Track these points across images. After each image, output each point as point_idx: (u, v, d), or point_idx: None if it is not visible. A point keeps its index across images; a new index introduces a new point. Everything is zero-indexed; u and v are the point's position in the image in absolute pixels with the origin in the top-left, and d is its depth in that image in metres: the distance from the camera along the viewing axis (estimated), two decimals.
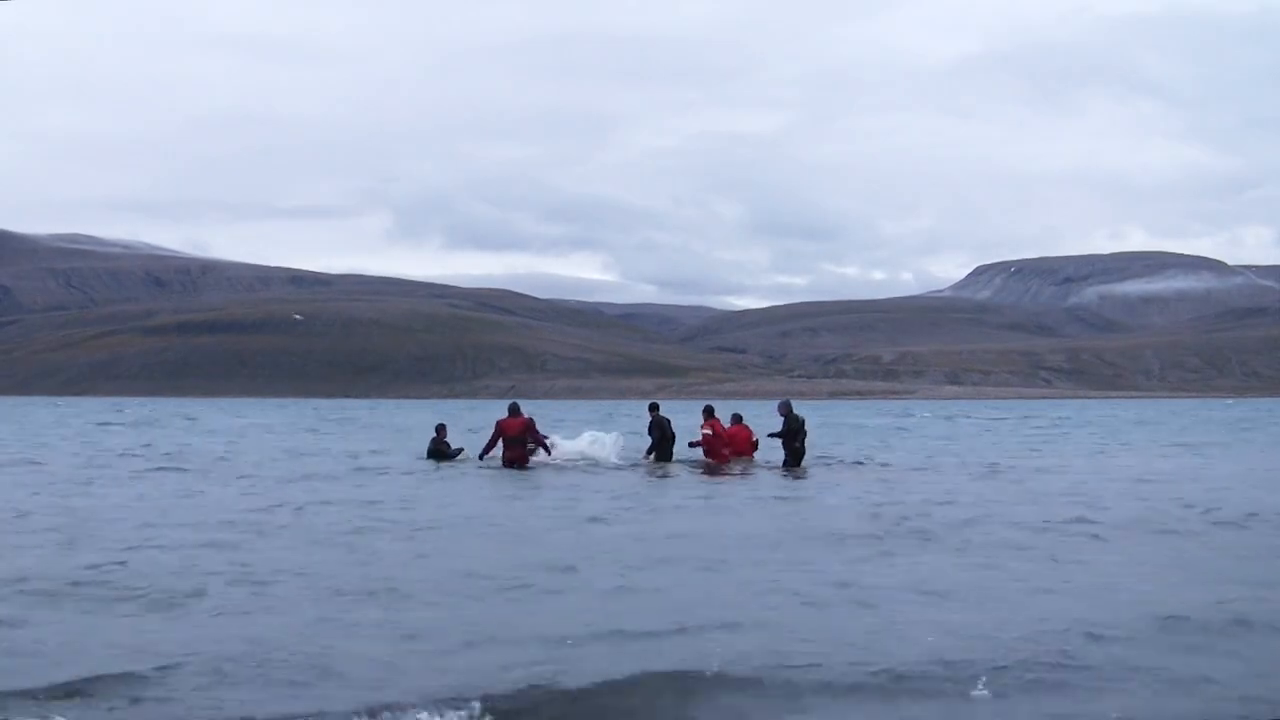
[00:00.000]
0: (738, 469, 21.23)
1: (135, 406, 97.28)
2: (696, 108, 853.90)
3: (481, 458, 22.21)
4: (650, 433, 22.59)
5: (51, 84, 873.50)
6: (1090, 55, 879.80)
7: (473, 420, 45.94)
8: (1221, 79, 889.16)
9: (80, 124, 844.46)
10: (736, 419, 22.58)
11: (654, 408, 23.15)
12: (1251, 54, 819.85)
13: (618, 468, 21.72)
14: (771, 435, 22.17)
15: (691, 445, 21.93)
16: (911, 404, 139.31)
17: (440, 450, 23.76)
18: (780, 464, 21.66)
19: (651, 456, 22.25)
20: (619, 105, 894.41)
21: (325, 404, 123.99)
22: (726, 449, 21.70)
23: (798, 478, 20.19)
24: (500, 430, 21.73)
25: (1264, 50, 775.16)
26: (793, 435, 21.85)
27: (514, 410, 22.18)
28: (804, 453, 22.09)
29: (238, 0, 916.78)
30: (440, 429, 24.62)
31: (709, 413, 22.27)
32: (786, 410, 22.26)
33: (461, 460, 23.29)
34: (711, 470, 21.05)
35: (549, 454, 22.04)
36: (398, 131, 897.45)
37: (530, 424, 21.86)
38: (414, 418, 62.27)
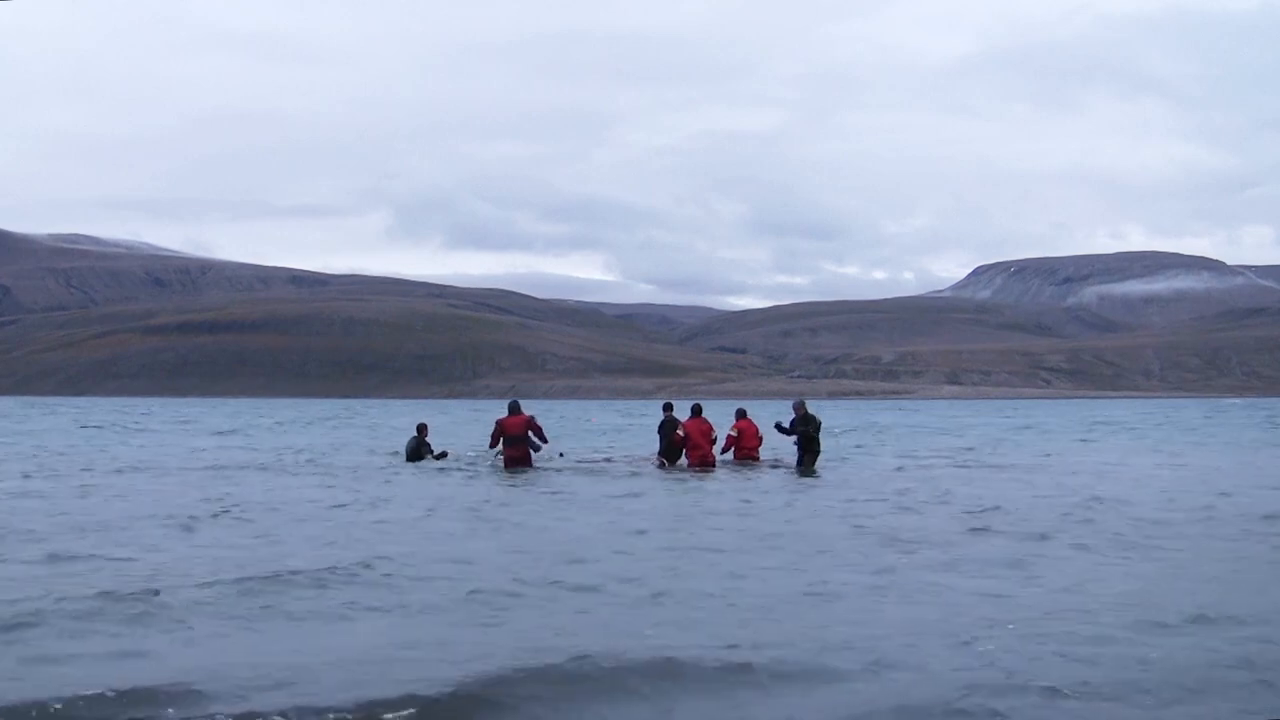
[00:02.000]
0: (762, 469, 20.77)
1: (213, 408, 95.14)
2: (696, 106, 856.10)
3: (496, 454, 21.52)
4: (660, 433, 21.97)
5: (51, 84, 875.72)
6: (1090, 54, 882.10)
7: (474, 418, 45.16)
8: (1222, 78, 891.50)
9: (80, 124, 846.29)
10: (740, 414, 22.01)
11: (668, 407, 22.47)
12: (1252, 53, 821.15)
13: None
14: (780, 428, 21.57)
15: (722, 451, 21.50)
16: (916, 403, 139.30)
17: (421, 451, 23.21)
18: (798, 465, 21.15)
19: (664, 460, 21.58)
20: (619, 104, 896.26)
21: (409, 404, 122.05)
22: (695, 450, 20.86)
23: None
24: (500, 429, 21.13)
25: (1264, 49, 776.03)
26: (809, 436, 21.24)
27: (514, 408, 21.54)
28: (819, 453, 21.53)
29: (238, 0, 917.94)
30: (421, 428, 23.94)
31: (740, 414, 21.93)
32: (801, 409, 21.58)
33: (446, 462, 22.75)
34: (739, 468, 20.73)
35: (539, 449, 21.45)
36: (398, 130, 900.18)
37: (531, 421, 21.19)
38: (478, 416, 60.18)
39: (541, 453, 21.55)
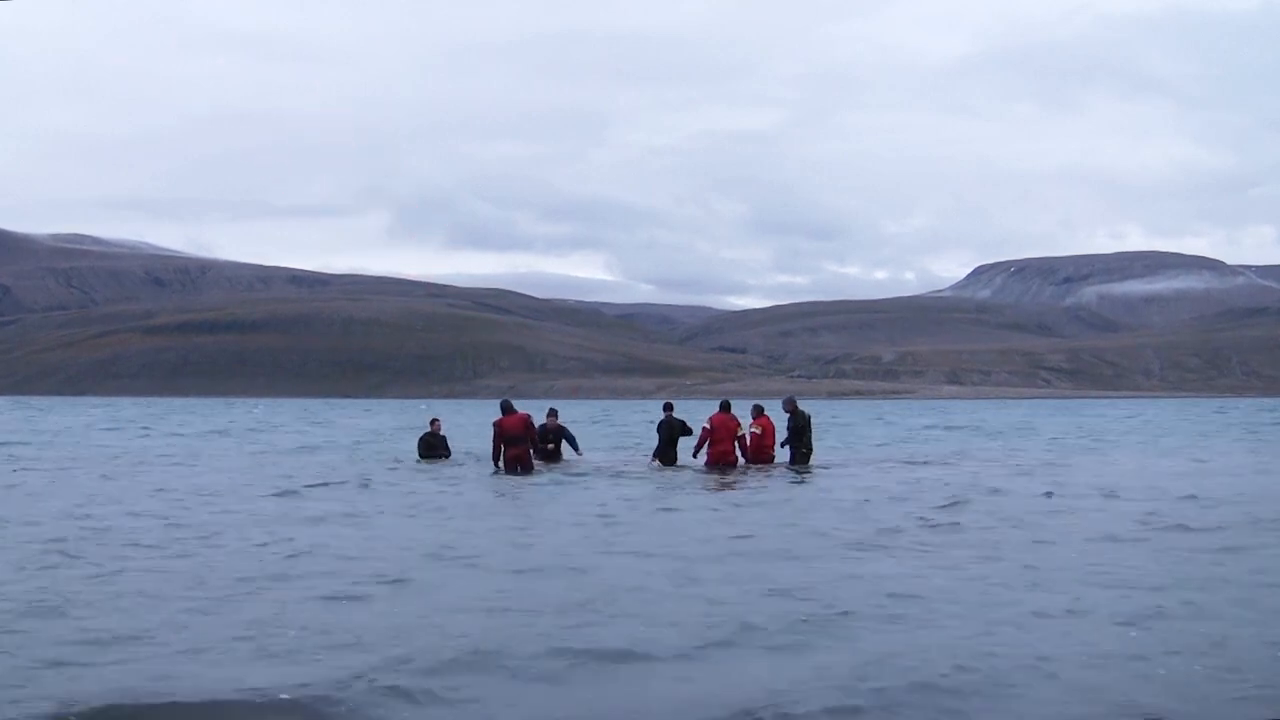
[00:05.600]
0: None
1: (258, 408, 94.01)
2: (696, 106, 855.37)
3: (497, 464, 20.37)
4: (658, 432, 21.79)
5: (51, 84, 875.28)
6: (1090, 54, 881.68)
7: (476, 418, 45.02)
8: (1222, 78, 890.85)
9: (80, 124, 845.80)
10: (758, 410, 21.42)
11: (668, 407, 22.29)
12: (1252, 53, 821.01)
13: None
14: (784, 444, 21.13)
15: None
16: (915, 403, 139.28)
17: (433, 444, 23.19)
18: (793, 464, 20.86)
19: (657, 460, 21.37)
20: (619, 104, 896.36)
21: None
22: (717, 446, 20.30)
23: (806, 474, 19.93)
24: (499, 430, 20.34)
25: (1264, 49, 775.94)
26: (799, 432, 21.02)
27: (507, 408, 20.87)
28: (811, 451, 21.32)
29: (238, 0, 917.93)
30: (434, 422, 24.02)
31: (757, 410, 21.43)
32: (792, 407, 21.36)
33: (454, 463, 22.62)
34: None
35: (578, 453, 21.81)
36: (398, 130, 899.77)
37: (528, 420, 20.71)
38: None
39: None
